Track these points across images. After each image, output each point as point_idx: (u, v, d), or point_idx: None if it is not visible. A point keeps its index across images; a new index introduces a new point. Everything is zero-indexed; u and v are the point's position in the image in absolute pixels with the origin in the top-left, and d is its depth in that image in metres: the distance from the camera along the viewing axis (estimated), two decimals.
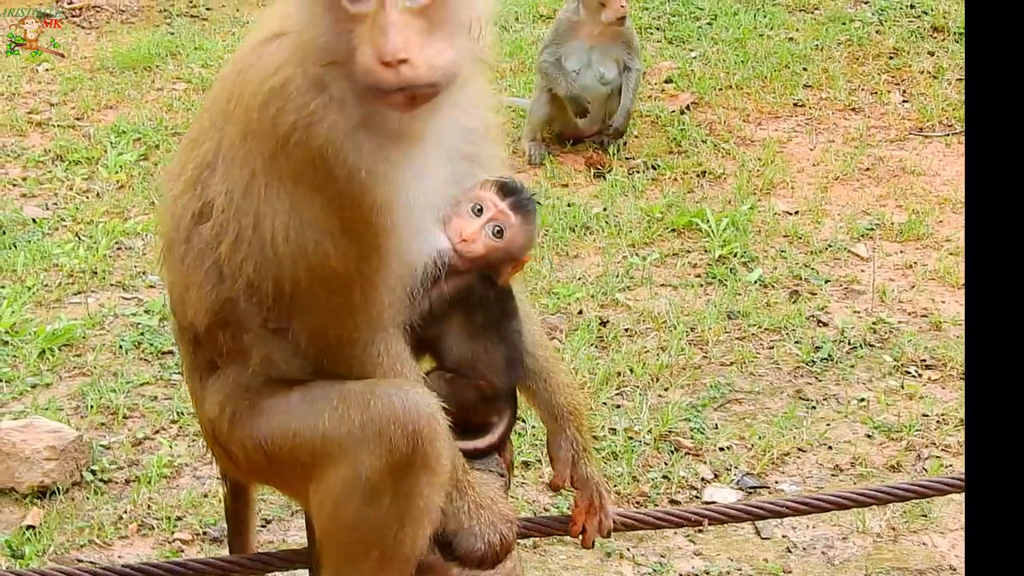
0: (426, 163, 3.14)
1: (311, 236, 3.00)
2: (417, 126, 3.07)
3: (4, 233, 7.10)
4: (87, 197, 7.56)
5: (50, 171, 7.86)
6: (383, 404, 3.01)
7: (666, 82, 9.05)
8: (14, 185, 7.71)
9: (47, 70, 9.34)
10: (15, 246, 6.93)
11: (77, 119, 8.54)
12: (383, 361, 3.12)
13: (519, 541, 3.33)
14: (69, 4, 10.75)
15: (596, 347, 6.12)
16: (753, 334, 6.29)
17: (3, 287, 6.53)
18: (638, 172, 7.87)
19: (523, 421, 5.17)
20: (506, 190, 3.34)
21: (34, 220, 7.26)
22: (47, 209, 7.42)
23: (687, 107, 8.67)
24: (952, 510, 5.14)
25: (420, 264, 3.18)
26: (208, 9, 10.73)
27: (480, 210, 3.29)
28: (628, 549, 4.92)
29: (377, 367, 3.12)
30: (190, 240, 3.18)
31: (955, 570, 4.86)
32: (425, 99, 2.92)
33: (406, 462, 3.00)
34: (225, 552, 4.01)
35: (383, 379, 3.10)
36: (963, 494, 4.95)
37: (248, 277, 3.10)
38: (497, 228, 3.31)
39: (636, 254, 6.96)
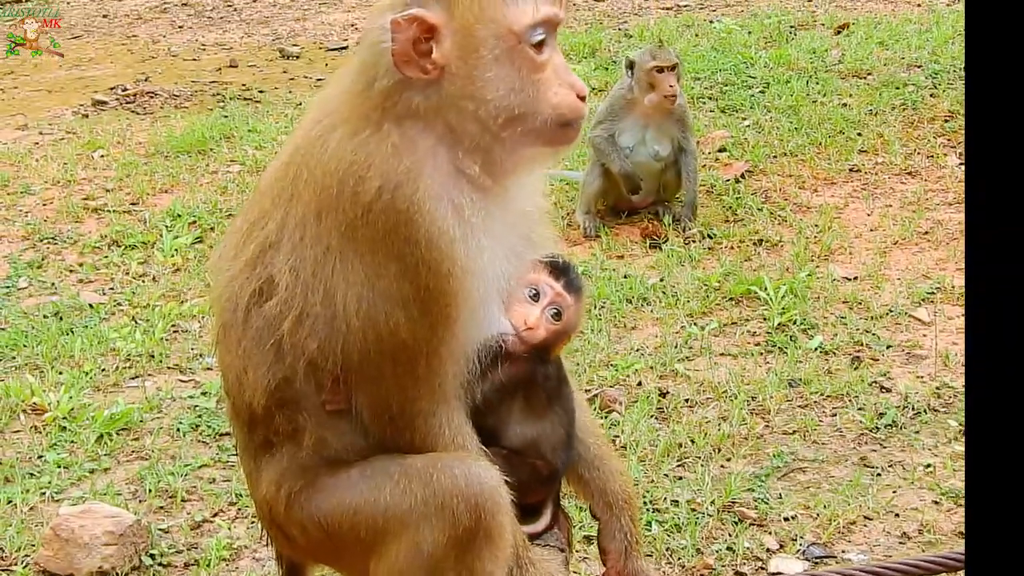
0: (494, 235, 3.17)
1: (382, 307, 3.03)
2: (503, 184, 3.25)
3: (61, 319, 7.15)
4: (143, 281, 7.61)
5: (106, 256, 7.93)
6: (446, 478, 3.01)
7: (720, 151, 9.06)
8: (71, 271, 7.78)
9: (102, 156, 9.44)
10: (72, 331, 6.98)
11: (132, 204, 8.62)
12: (444, 432, 3.13)
13: None
14: (123, 91, 10.87)
15: (656, 418, 6.08)
16: (815, 402, 6.23)
17: (61, 373, 6.56)
18: (694, 242, 7.87)
19: None
20: (558, 271, 3.35)
21: (91, 305, 7.32)
22: (103, 294, 7.47)
23: (742, 175, 8.67)
24: None
25: (484, 336, 3.19)
26: (261, 92, 10.84)
27: (537, 295, 3.31)
28: None
29: (439, 438, 3.12)
30: (248, 320, 3.20)
31: None
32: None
33: (469, 536, 2.99)
34: None
35: (444, 452, 3.09)
36: None
37: (310, 354, 3.12)
38: (556, 311, 3.33)
39: (694, 324, 6.93)
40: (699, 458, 5.77)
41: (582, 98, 3.23)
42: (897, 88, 9.99)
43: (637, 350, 6.69)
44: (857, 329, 6.84)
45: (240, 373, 3.25)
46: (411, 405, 3.12)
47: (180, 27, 12.98)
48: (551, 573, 3.22)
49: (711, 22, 12.02)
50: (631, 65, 8.23)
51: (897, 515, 5.43)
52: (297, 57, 11.74)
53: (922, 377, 6.42)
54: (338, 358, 3.10)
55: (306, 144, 3.17)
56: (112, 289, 7.54)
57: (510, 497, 3.08)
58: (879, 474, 5.70)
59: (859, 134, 9.28)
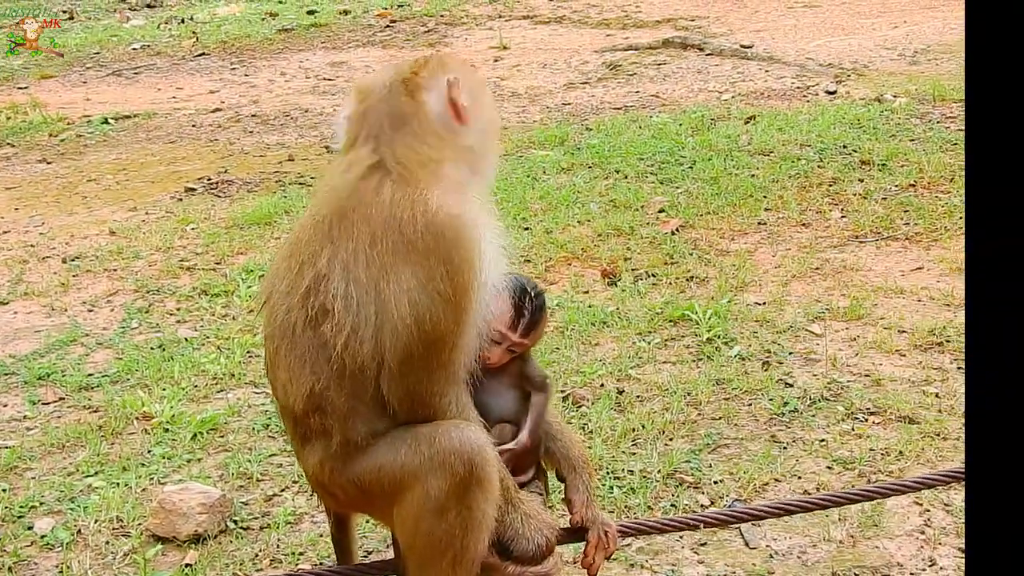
0: (498, 246, 3.25)
1: (429, 304, 3.05)
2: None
3: (164, 349, 7.17)
4: (225, 320, 7.63)
5: (197, 302, 7.95)
6: (446, 439, 3.05)
7: (660, 212, 9.09)
8: (171, 314, 7.80)
9: (193, 229, 9.48)
10: (172, 359, 7.00)
11: (216, 263, 8.65)
12: (452, 408, 3.16)
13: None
14: (208, 180, 10.93)
15: (615, 410, 6.10)
16: (736, 395, 6.25)
17: (164, 389, 6.59)
18: (642, 279, 7.89)
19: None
20: (517, 314, 3.33)
21: (186, 339, 7.34)
22: (196, 330, 7.50)
23: (676, 229, 8.69)
24: (897, 521, 5.07)
25: (481, 332, 3.24)
26: (312, 178, 10.88)
27: (499, 340, 3.33)
28: (647, 561, 4.87)
29: (447, 413, 3.15)
30: (300, 343, 3.19)
31: (902, 566, 4.77)
32: None
33: (465, 483, 3.03)
34: None
35: (445, 421, 3.13)
36: (883, 500, 4.89)
37: (356, 364, 3.10)
38: (513, 349, 3.35)
39: (643, 340, 6.95)
40: (648, 439, 5.80)
41: None
42: (792, 162, 10.03)
43: (600, 360, 6.71)
44: (766, 341, 6.87)
45: (286, 383, 3.25)
46: (431, 387, 3.14)
47: (250, 132, 13.00)
48: (535, 509, 3.26)
49: (651, 117, 12.06)
50: None
51: (800, 477, 5.45)
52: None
53: (816, 375, 6.44)
54: (386, 358, 3.09)
55: (356, 192, 3.15)
56: (202, 326, 7.56)
57: (496, 452, 3.12)
58: (785, 447, 5.72)
59: (764, 197, 9.31)
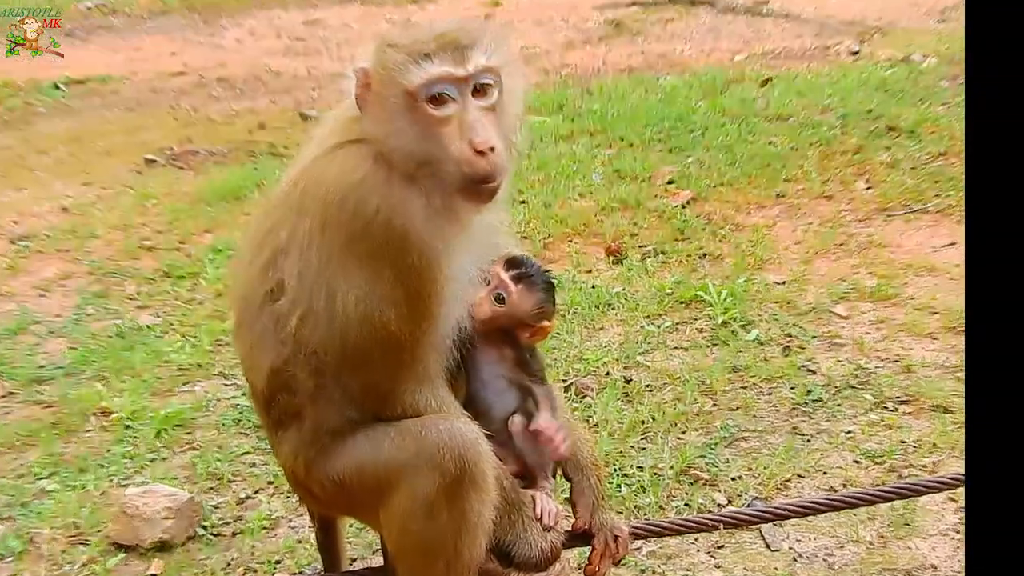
0: (467, 245, 3.18)
1: (377, 305, 3.02)
2: (473, 213, 3.14)
3: (124, 338, 7.13)
4: (191, 305, 7.60)
5: (160, 286, 7.92)
6: (433, 434, 3.03)
7: (668, 183, 9.06)
8: (130, 299, 7.76)
9: (154, 205, 9.44)
10: (133, 348, 6.96)
11: (180, 243, 8.61)
12: (431, 404, 3.13)
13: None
14: (171, 151, 10.89)
15: (622, 401, 6.08)
16: (754, 383, 6.24)
17: (124, 381, 6.55)
18: (650, 257, 7.87)
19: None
20: (511, 264, 3.35)
21: (148, 326, 7.30)
22: (158, 317, 7.46)
23: (687, 202, 8.67)
24: (932, 519, 5.06)
25: (456, 327, 3.22)
26: (285, 147, 10.85)
27: (488, 281, 3.33)
28: (659, 566, 4.86)
29: (426, 410, 3.12)
30: (260, 317, 3.21)
31: (936, 568, 4.77)
32: (496, 192, 3.04)
33: (457, 482, 3.00)
34: None
35: (432, 414, 3.10)
36: (917, 498, 4.88)
37: (311, 346, 3.11)
38: (499, 295, 3.33)
39: (652, 323, 6.94)
40: (659, 432, 5.78)
41: (480, 152, 2.97)
42: (813, 128, 10.02)
43: (605, 346, 6.69)
44: (787, 323, 6.85)
45: (250, 360, 3.27)
46: (398, 385, 3.12)
47: (216, 98, 12.98)
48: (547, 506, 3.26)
49: (658, 79, 12.04)
50: None
51: (825, 473, 5.44)
52: (315, 119, 11.72)
53: (841, 361, 6.43)
54: (336, 348, 3.09)
55: (312, 165, 3.17)
56: (165, 312, 7.52)
57: (490, 446, 3.09)
58: (808, 440, 5.71)
59: (783, 166, 9.29)
